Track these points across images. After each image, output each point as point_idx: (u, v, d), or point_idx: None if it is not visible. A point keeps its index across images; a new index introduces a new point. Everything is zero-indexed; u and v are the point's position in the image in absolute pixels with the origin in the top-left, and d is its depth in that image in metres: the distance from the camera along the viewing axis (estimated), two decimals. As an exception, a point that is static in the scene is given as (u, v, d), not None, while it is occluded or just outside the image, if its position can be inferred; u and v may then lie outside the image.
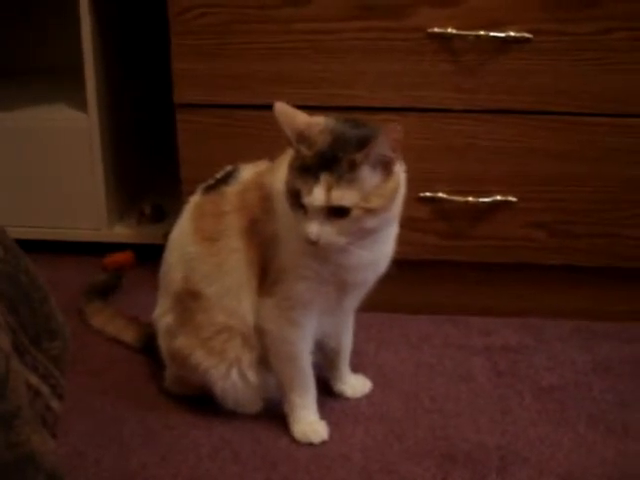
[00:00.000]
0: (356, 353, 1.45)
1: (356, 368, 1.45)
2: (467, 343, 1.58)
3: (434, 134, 1.55)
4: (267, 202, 1.21)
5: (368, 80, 1.53)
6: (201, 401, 1.34)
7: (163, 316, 1.34)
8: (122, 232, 1.92)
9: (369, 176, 1.09)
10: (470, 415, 1.35)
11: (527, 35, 1.48)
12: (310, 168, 1.08)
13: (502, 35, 1.48)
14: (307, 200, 1.08)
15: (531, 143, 1.55)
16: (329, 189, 1.07)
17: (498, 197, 1.57)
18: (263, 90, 1.56)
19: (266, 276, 1.24)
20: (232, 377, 1.28)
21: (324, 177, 1.07)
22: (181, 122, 1.60)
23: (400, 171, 1.14)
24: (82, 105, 1.81)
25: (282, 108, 1.11)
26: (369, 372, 1.46)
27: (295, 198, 1.10)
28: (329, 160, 1.08)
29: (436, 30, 1.48)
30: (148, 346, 1.47)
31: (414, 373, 1.48)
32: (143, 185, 2.05)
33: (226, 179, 1.29)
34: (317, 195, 1.07)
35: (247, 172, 1.28)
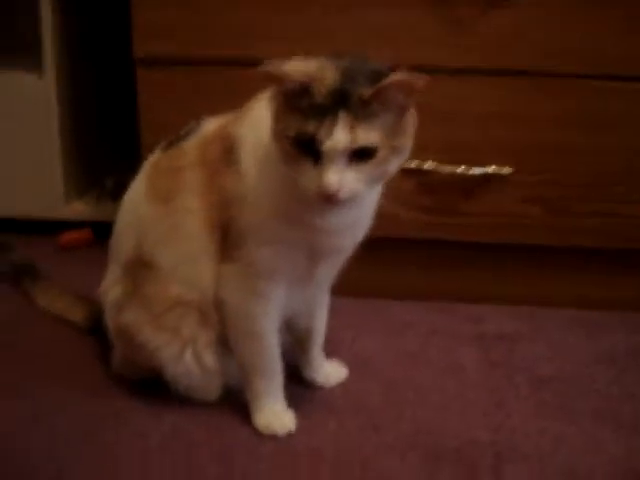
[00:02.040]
0: (330, 340, 1.29)
1: (330, 355, 1.29)
2: (456, 331, 1.43)
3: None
4: (231, 154, 1.05)
5: (348, 33, 1.38)
6: (152, 386, 1.18)
7: (111, 288, 1.18)
8: (80, 209, 1.78)
9: (384, 114, 0.94)
10: (459, 408, 1.19)
11: (523, -12, 1.33)
12: (322, 108, 0.92)
13: (497, -13, 1.33)
14: (328, 144, 0.91)
15: (528, 108, 1.40)
16: (352, 129, 0.91)
17: (491, 168, 1.42)
18: (233, 43, 1.40)
19: (227, 240, 1.07)
20: (186, 359, 1.12)
21: (343, 116, 0.91)
22: (141, 79, 1.44)
23: (413, 114, 0.99)
24: (37, 68, 1.66)
25: (267, 64, 0.95)
26: (345, 359, 1.30)
27: (300, 146, 0.94)
28: (343, 97, 0.92)
29: (426, -21, 1.34)
30: (98, 326, 1.30)
31: (396, 362, 1.32)
32: (105, 158, 1.89)
33: (188, 133, 1.13)
34: (340, 136, 0.91)
35: (211, 124, 1.12)
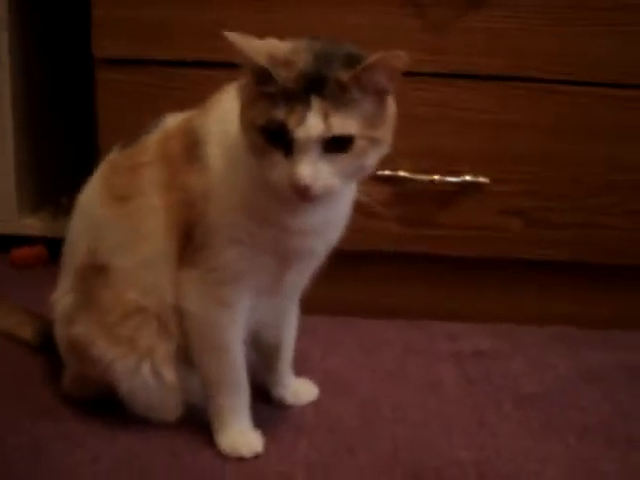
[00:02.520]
0: (300, 358, 1.21)
1: (300, 373, 1.20)
2: (432, 348, 1.36)
3: (396, 101, 1.33)
4: (195, 149, 0.98)
5: (321, 33, 1.30)
6: (105, 407, 1.08)
7: (61, 298, 1.09)
8: (34, 224, 1.69)
9: (363, 101, 0.86)
10: (440, 426, 1.11)
11: (503, -12, 1.29)
12: (293, 93, 0.84)
13: (475, -13, 1.28)
14: (299, 132, 0.83)
15: (507, 114, 1.35)
16: (326, 115, 0.84)
17: (468, 177, 1.37)
18: (197, 44, 1.33)
19: (190, 242, 0.98)
20: (143, 373, 1.03)
21: (316, 101, 0.84)
22: (101, 80, 1.36)
23: (393, 104, 0.91)
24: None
25: (235, 35, 0.87)
26: (316, 377, 1.22)
27: (270, 136, 0.86)
28: (316, 81, 0.85)
29: (402, -22, 1.28)
30: (48, 344, 1.20)
31: (370, 379, 1.24)
32: (61, 172, 1.79)
33: (148, 130, 1.05)
34: (313, 123, 0.83)
35: (173, 119, 1.05)
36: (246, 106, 0.89)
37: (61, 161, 1.80)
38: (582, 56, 1.31)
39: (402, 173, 1.36)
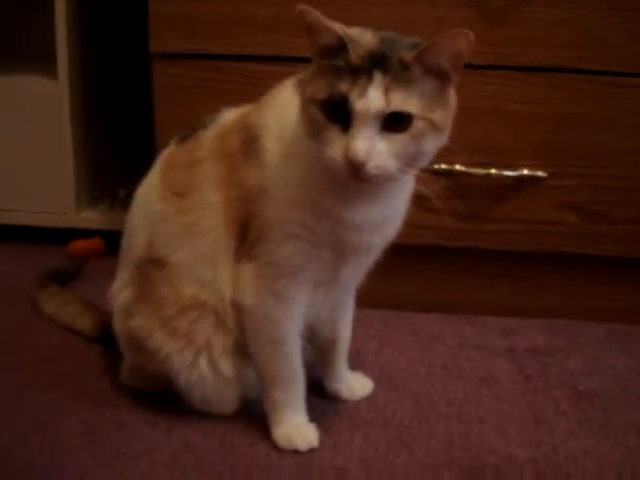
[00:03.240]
0: (354, 352, 1.21)
1: (355, 367, 1.20)
2: (486, 343, 1.35)
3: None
4: (252, 145, 0.98)
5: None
6: (163, 398, 1.10)
7: (120, 291, 1.10)
8: (91, 217, 1.73)
9: (425, 81, 0.86)
10: (496, 422, 1.10)
11: (565, -23, 1.26)
12: (358, 69, 0.84)
13: (535, -25, 1.26)
14: (359, 104, 0.83)
15: (565, 108, 1.32)
16: (387, 91, 0.84)
17: (525, 171, 1.35)
18: (253, 38, 1.34)
19: (247, 237, 0.99)
20: (200, 366, 1.04)
21: (378, 77, 0.84)
22: (158, 75, 1.38)
23: (454, 94, 0.90)
24: (52, 73, 1.61)
25: (313, 11, 0.87)
26: (370, 372, 1.21)
27: (330, 110, 0.86)
28: (380, 59, 0.85)
29: (457, -32, 1.27)
30: (106, 336, 1.22)
31: (425, 374, 1.24)
32: (118, 168, 1.82)
33: (205, 125, 1.05)
34: (373, 97, 0.83)
35: (230, 114, 1.05)
36: (308, 82, 0.89)
37: (118, 155, 1.82)
38: (638, 48, 1.27)
39: (458, 167, 1.34)
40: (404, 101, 0.84)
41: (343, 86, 0.84)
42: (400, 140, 0.85)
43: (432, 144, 0.88)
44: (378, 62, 0.84)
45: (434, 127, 0.86)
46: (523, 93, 1.31)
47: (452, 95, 0.89)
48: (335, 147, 0.86)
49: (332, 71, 0.86)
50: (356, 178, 0.86)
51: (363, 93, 0.83)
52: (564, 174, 1.35)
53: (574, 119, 1.32)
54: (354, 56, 0.85)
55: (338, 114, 0.85)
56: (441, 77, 0.87)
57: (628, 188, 1.34)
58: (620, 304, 1.44)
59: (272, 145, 0.96)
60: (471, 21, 1.29)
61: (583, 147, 1.33)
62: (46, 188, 1.68)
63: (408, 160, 0.88)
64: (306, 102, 0.88)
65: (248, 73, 1.34)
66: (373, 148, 0.84)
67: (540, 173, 1.34)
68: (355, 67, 0.85)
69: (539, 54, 1.29)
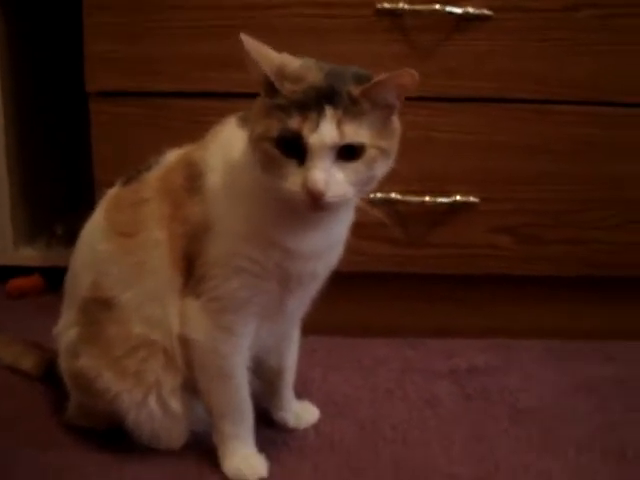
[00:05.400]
0: (300, 380, 1.22)
1: (300, 395, 1.22)
2: (429, 366, 1.38)
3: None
4: (196, 181, 1.00)
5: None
6: (111, 436, 1.10)
7: (65, 331, 1.10)
8: (29, 255, 1.71)
9: (373, 113, 0.90)
10: (440, 444, 1.13)
11: (487, 12, 1.33)
12: (305, 104, 0.87)
13: (459, 11, 1.32)
14: (313, 139, 0.86)
15: (494, 136, 1.38)
16: (339, 124, 0.87)
17: (458, 197, 1.39)
18: (191, 75, 1.36)
19: (192, 273, 1.01)
20: (150, 405, 1.04)
21: (329, 110, 0.87)
22: (94, 113, 1.38)
23: (398, 121, 0.95)
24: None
25: (251, 41, 0.90)
26: (316, 399, 1.24)
27: (284, 146, 0.88)
28: (327, 94, 0.88)
29: (386, 5, 1.32)
30: (50, 373, 1.22)
31: (370, 399, 1.26)
32: (55, 202, 1.81)
33: (149, 166, 1.07)
34: (327, 130, 0.86)
35: (173, 154, 1.07)
36: (258, 119, 0.91)
37: (54, 192, 1.81)
38: (568, 76, 1.34)
39: (394, 195, 1.38)
40: (356, 133, 0.87)
41: (294, 122, 0.87)
42: (354, 168, 0.89)
43: (383, 168, 0.92)
44: (326, 96, 0.87)
45: (384, 153, 0.91)
46: (451, 123, 1.37)
47: (396, 122, 0.94)
48: (293, 180, 0.88)
49: (280, 109, 0.88)
50: (315, 208, 0.89)
51: (315, 128, 0.86)
52: (495, 199, 1.40)
53: (501, 146, 1.37)
54: (293, 94, 0.87)
55: (292, 149, 0.88)
56: (387, 108, 0.91)
57: (556, 210, 1.40)
58: (555, 322, 1.49)
59: (216, 180, 0.98)
60: (402, 56, 1.34)
61: (512, 173, 1.39)
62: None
63: (362, 186, 0.92)
64: (258, 140, 0.91)
65: (187, 109, 1.36)
66: (331, 178, 0.87)
67: (472, 198, 1.39)
68: (303, 102, 0.87)
69: (465, 85, 1.35)
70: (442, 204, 1.39)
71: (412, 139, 1.36)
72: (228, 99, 1.31)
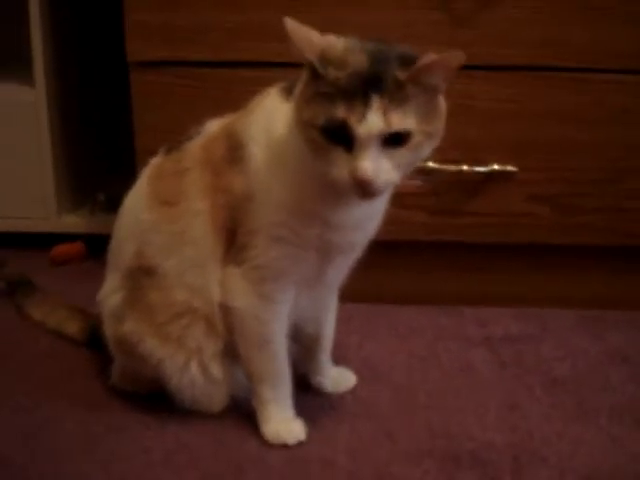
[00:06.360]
0: (337, 346, 1.25)
1: (337, 361, 1.25)
2: (463, 334, 1.39)
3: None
4: (237, 151, 1.01)
5: (347, 32, 1.33)
6: (153, 399, 1.13)
7: (110, 296, 1.13)
8: (73, 222, 1.74)
9: (418, 98, 0.90)
10: (474, 410, 1.15)
11: (528, -22, 1.31)
12: (352, 91, 0.87)
13: (500, -22, 1.30)
14: (360, 129, 0.87)
15: (532, 104, 1.37)
16: (385, 112, 0.87)
17: (495, 166, 1.39)
18: (230, 45, 1.37)
19: (234, 242, 1.03)
20: (191, 371, 1.08)
21: (375, 99, 0.87)
22: (135, 83, 1.40)
23: (443, 100, 0.95)
24: (28, 77, 1.62)
25: (294, 25, 0.90)
26: (353, 365, 1.26)
27: (330, 134, 0.89)
28: (372, 80, 0.88)
29: (425, -28, 1.31)
30: (94, 339, 1.26)
31: (405, 366, 1.29)
32: (97, 170, 1.84)
33: (191, 136, 1.09)
34: (373, 121, 0.87)
35: (214, 124, 1.08)
36: (303, 106, 0.91)
37: (97, 160, 1.85)
38: (608, 45, 1.33)
39: (431, 164, 1.39)
40: (403, 121, 0.88)
41: (340, 112, 0.87)
42: (401, 154, 0.90)
43: (428, 150, 0.93)
44: (372, 83, 0.87)
45: (429, 136, 0.91)
46: (490, 91, 1.36)
47: (442, 103, 0.94)
48: (341, 167, 0.89)
49: (325, 95, 0.88)
50: (364, 195, 0.90)
51: (362, 117, 0.86)
52: (533, 168, 1.40)
53: (538, 115, 1.37)
54: (337, 80, 0.87)
55: (338, 137, 0.88)
56: (433, 90, 0.91)
57: (593, 179, 1.40)
58: (590, 291, 1.49)
59: (258, 151, 0.99)
60: (439, 23, 1.33)
61: (548, 142, 1.38)
62: (27, 194, 1.70)
63: (407, 168, 0.93)
64: (304, 125, 0.91)
65: (226, 79, 1.37)
66: (379, 166, 0.88)
67: (510, 168, 1.39)
68: (348, 90, 0.87)
69: (503, 54, 1.34)
70: (479, 173, 1.39)
71: (449, 108, 1.34)
72: (267, 68, 1.32)
